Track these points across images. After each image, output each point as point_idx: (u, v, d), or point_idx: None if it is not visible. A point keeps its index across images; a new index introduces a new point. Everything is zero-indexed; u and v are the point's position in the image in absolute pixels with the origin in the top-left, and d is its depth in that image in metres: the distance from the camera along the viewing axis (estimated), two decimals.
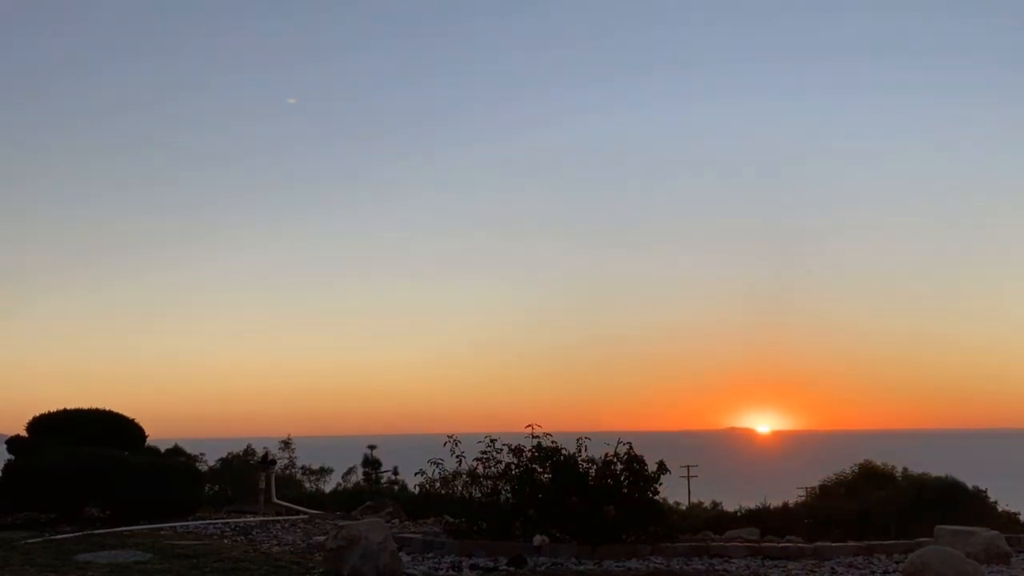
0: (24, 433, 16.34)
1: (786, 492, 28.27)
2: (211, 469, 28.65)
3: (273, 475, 19.81)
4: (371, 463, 34.13)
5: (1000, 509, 21.08)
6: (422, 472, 13.94)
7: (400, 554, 10.51)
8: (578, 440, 12.77)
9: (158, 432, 19.41)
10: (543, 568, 10.64)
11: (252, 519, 15.98)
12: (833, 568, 10.82)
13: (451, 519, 13.93)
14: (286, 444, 35.43)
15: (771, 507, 21.60)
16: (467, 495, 13.18)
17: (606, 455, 12.63)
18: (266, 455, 25.82)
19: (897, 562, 10.99)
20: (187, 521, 15.13)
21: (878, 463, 23.80)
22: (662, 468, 12.66)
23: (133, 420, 17.36)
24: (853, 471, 23.69)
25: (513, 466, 12.67)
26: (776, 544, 12.56)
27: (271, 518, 16.35)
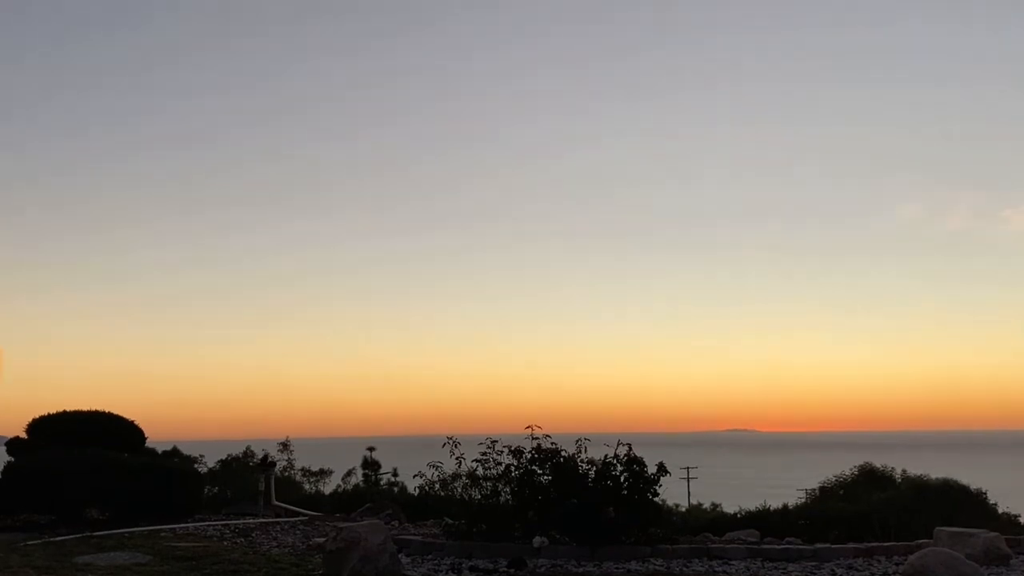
0: (24, 434, 16.32)
1: (786, 494, 28.25)
2: (210, 471, 28.59)
3: (272, 477, 19.79)
4: (370, 465, 34.09)
5: (1000, 511, 21.04)
6: (421, 474, 13.93)
7: (400, 556, 10.50)
8: (578, 441, 12.74)
9: (157, 434, 19.43)
10: (543, 570, 10.62)
11: (251, 521, 15.95)
12: (833, 570, 10.81)
13: (451, 521, 13.90)
14: (285, 446, 35.40)
15: (771, 509, 21.54)
16: (467, 497, 13.16)
17: (606, 456, 12.61)
18: (265, 457, 25.83)
19: (897, 564, 10.98)
20: (186, 523, 15.10)
21: (878, 465, 23.78)
22: (662, 470, 12.64)
23: (132, 422, 17.33)
24: (853, 473, 23.67)
25: (513, 467, 12.65)
26: (776, 546, 12.54)
27: (271, 520, 16.33)
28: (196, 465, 26.46)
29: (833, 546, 12.42)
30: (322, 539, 11.73)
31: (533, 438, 12.73)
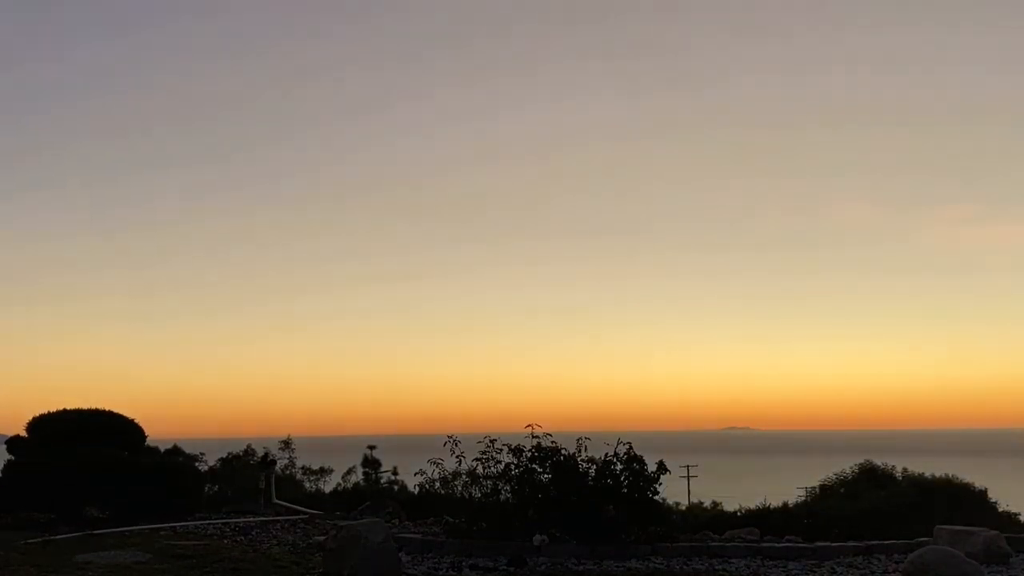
0: (24, 433, 16.33)
1: (786, 492, 28.24)
2: (211, 469, 28.59)
3: (273, 475, 19.80)
4: (371, 463, 34.06)
5: (1000, 509, 21.03)
6: (422, 472, 13.95)
7: (400, 554, 10.50)
8: (578, 440, 12.76)
9: (158, 432, 19.42)
10: (543, 568, 10.63)
11: (252, 519, 15.96)
12: (833, 568, 10.81)
13: (451, 519, 13.92)
14: (286, 444, 35.37)
15: (771, 507, 21.52)
16: (467, 495, 13.18)
17: (606, 455, 12.62)
18: (266, 455, 25.84)
19: (896, 562, 10.98)
20: (187, 521, 15.12)
21: (878, 463, 23.73)
22: (662, 468, 12.66)
23: (132, 420, 17.34)
24: (853, 471, 23.63)
25: (513, 466, 12.66)
26: (776, 544, 12.56)
27: (271, 518, 16.34)
28: (196, 463, 26.46)
29: (833, 544, 12.43)
30: (322, 537, 11.74)
31: (533, 437, 12.75)
